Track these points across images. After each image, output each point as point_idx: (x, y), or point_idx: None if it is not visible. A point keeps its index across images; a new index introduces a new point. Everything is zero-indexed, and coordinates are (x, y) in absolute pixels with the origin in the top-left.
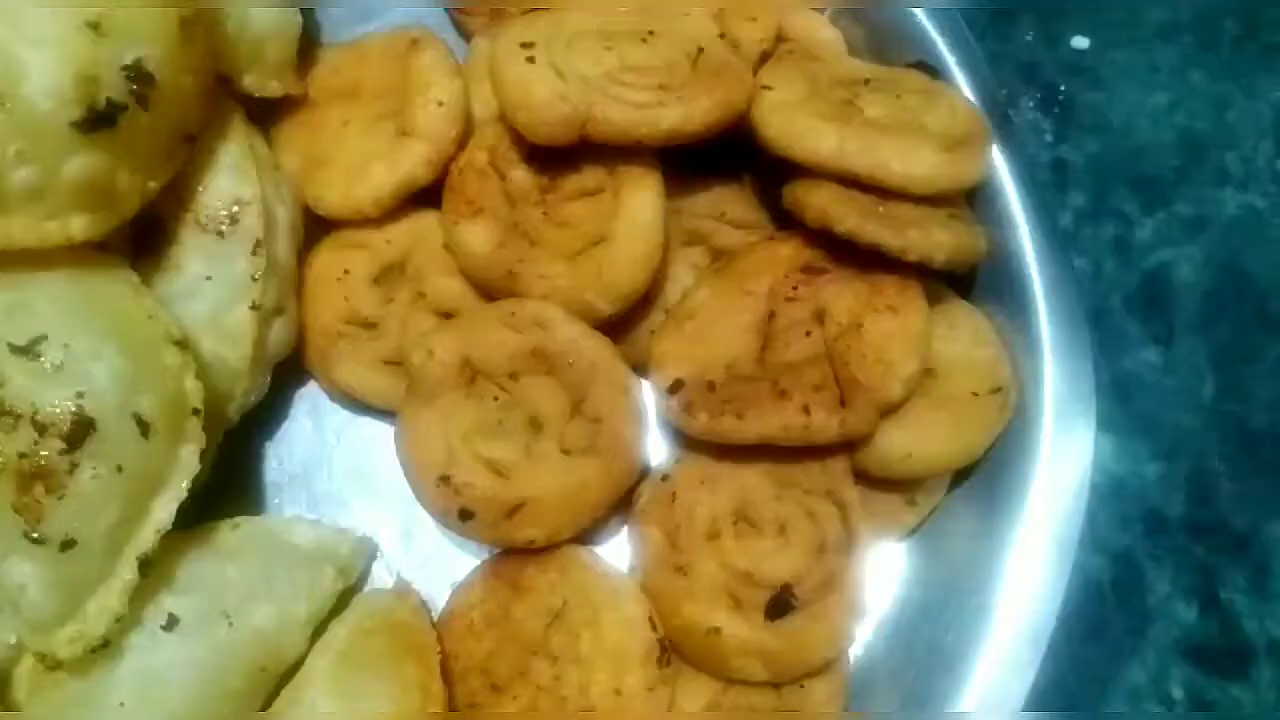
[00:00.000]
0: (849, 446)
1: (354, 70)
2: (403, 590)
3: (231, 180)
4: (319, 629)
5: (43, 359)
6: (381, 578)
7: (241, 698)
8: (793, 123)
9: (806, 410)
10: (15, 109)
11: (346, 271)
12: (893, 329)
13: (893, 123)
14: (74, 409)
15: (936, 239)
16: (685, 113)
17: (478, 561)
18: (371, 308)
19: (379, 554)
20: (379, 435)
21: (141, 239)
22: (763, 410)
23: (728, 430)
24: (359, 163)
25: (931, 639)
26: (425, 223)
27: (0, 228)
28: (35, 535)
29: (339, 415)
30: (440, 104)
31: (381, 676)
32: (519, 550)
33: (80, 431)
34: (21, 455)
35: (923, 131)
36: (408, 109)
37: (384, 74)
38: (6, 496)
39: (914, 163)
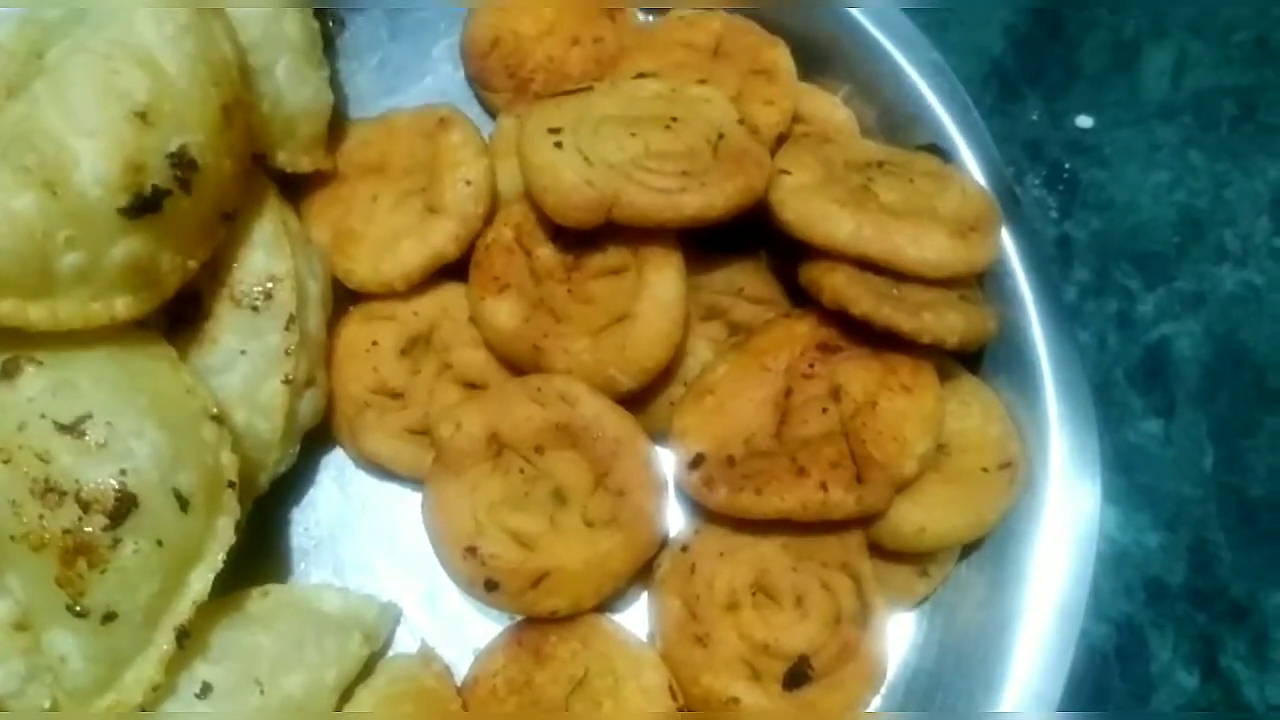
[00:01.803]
0: (864, 521)
1: (382, 145)
2: (428, 656)
3: (266, 256)
4: (345, 695)
5: (87, 437)
6: (405, 642)
7: None
8: (810, 207)
9: (824, 487)
10: (66, 196)
11: (375, 343)
12: (907, 409)
13: (906, 207)
14: (117, 486)
15: (949, 321)
16: (708, 199)
17: (501, 627)
18: (399, 378)
19: (403, 618)
20: (404, 501)
21: (178, 313)
22: (781, 486)
23: (747, 506)
24: (388, 238)
25: (942, 705)
26: (451, 295)
27: (48, 310)
28: (78, 608)
29: (365, 481)
30: (468, 183)
31: None
32: (542, 619)
33: (123, 508)
34: (66, 531)
35: (935, 215)
36: (436, 186)
37: (412, 150)
38: (50, 570)
39: (927, 247)
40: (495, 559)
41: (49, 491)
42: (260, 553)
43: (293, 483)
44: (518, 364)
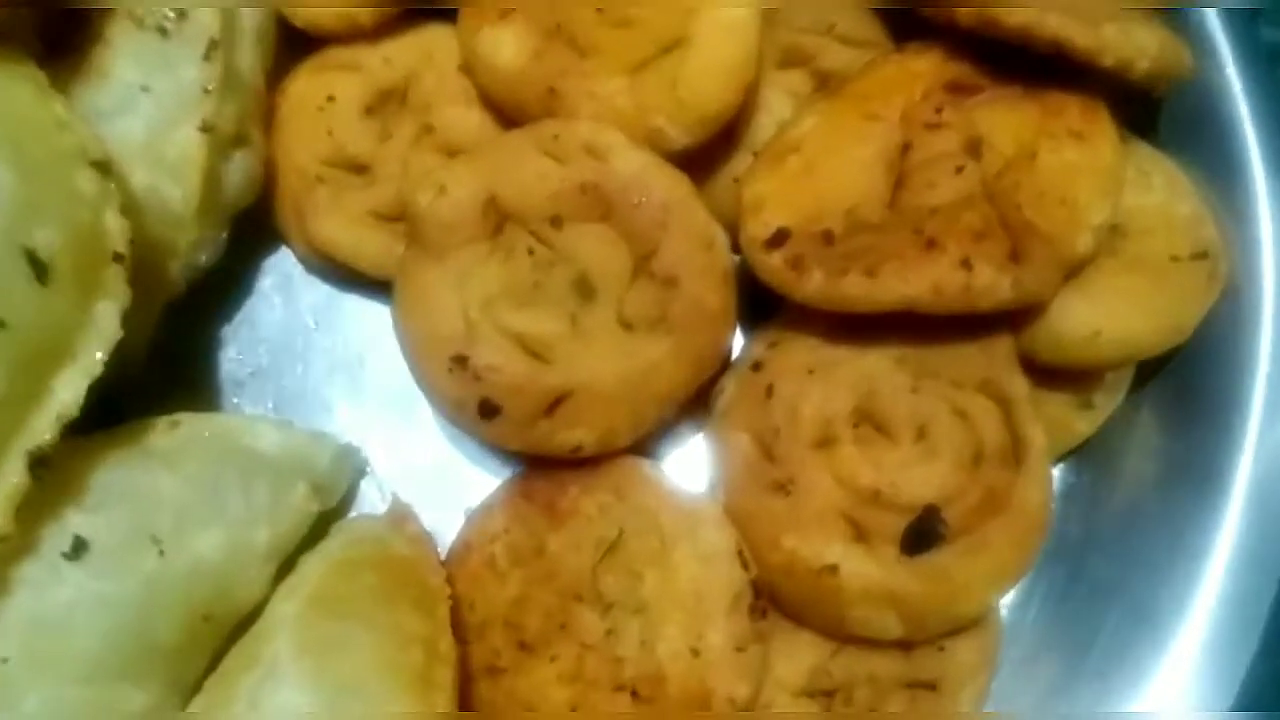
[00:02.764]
0: (1016, 320)
1: None
2: (400, 515)
3: None
4: (287, 565)
5: None
6: (373, 501)
7: (179, 653)
8: None
9: (967, 264)
10: None
11: (331, 99)
12: (1078, 162)
13: None
14: None
15: (1139, 40)
16: None
17: (501, 480)
18: (363, 145)
19: (369, 470)
20: (370, 317)
21: (56, 35)
22: (904, 266)
23: (854, 294)
24: None
25: (1105, 590)
26: (435, 37)
27: None
28: None
29: (318, 291)
30: None
31: (370, 625)
32: (558, 462)
33: None
34: None
35: None
36: None
37: None
38: None
39: None
40: (494, 372)
41: None
42: (177, 383)
43: (223, 291)
44: (526, 116)
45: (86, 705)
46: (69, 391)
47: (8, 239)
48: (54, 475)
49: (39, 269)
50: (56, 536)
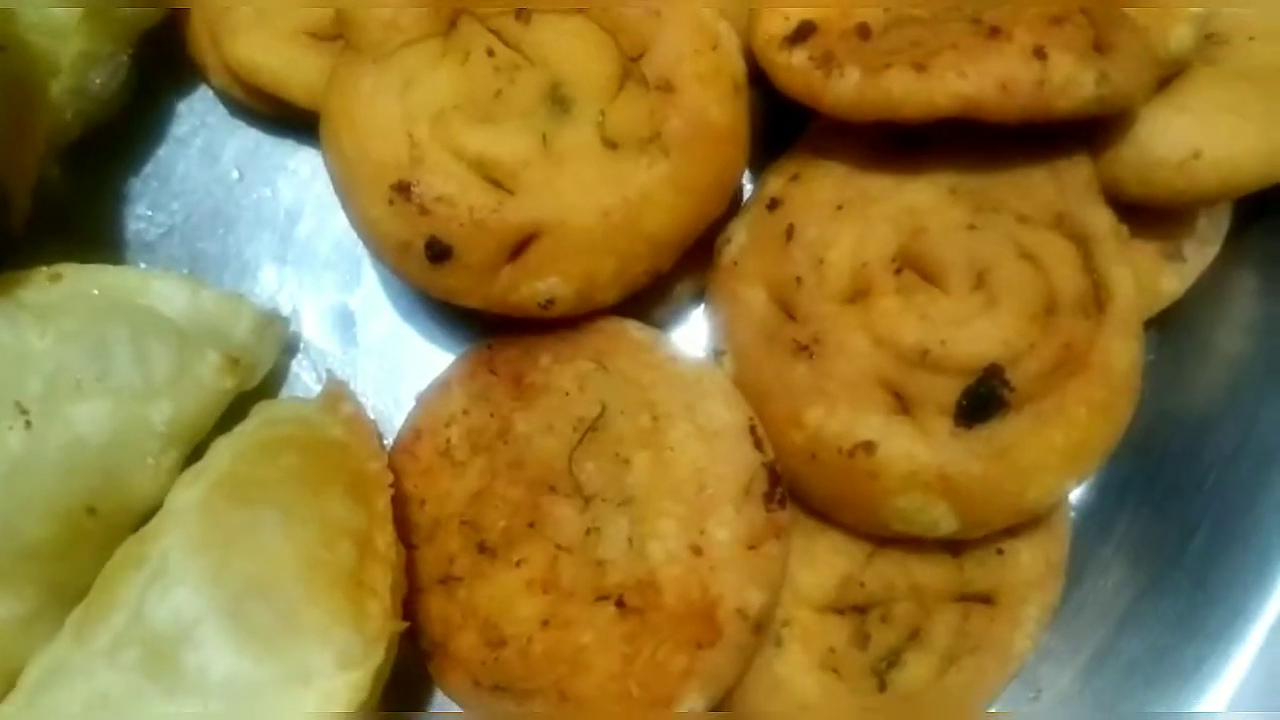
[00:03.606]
0: (1090, 140)
1: None
2: (335, 394)
3: None
4: (196, 455)
5: None
6: (306, 384)
7: (51, 555)
8: None
9: (1040, 53)
10: None
11: None
12: None
13: None
14: None
15: None
16: None
17: (454, 356)
18: None
19: (302, 347)
20: (304, 165)
21: None
22: (963, 57)
23: (899, 94)
24: None
25: (1188, 490)
26: None
27: None
28: None
29: (244, 136)
30: None
31: (287, 514)
32: (526, 324)
33: None
34: None
35: None
36: None
37: None
38: None
39: None
40: (445, 205)
41: None
42: (70, 241)
43: (129, 135)
44: None
45: None
46: None
47: None
48: None
49: None
50: None
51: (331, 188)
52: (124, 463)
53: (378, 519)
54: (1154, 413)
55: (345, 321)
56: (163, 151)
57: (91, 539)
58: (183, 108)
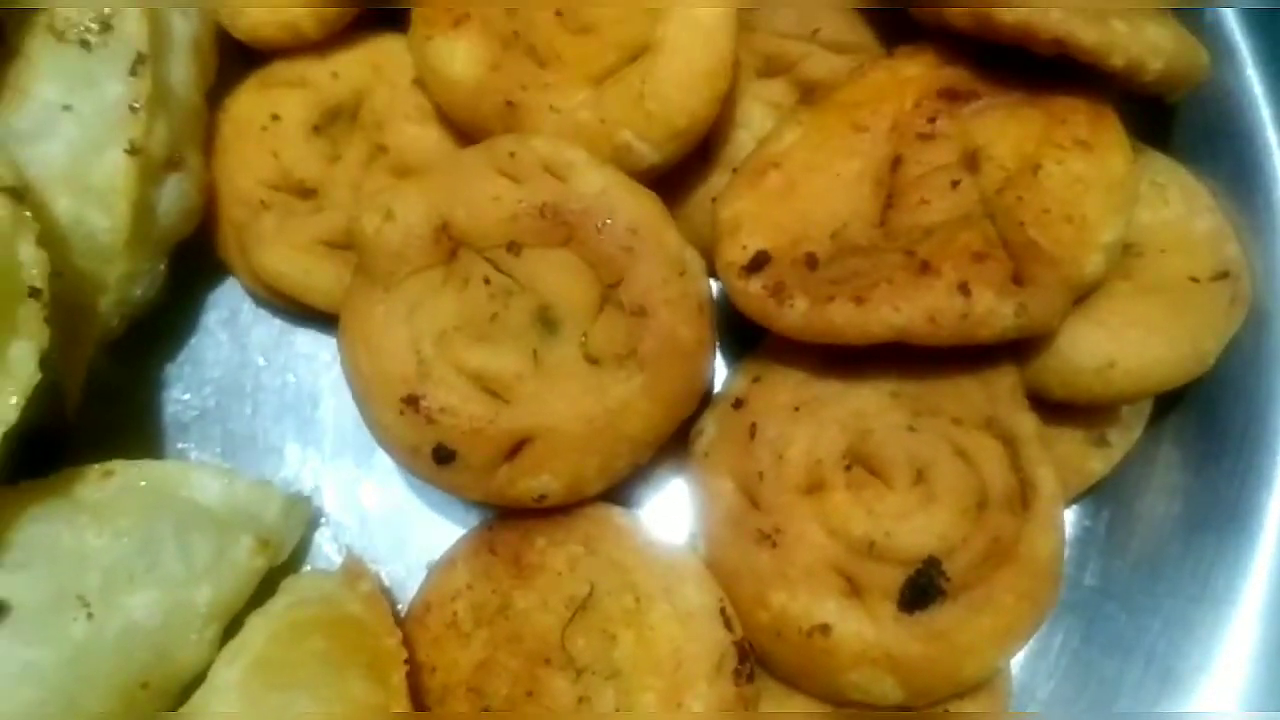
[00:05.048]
0: (1019, 353)
1: None
2: (354, 571)
3: None
4: (235, 624)
5: None
6: (327, 555)
7: None
8: None
9: (965, 289)
10: None
11: (276, 117)
12: (1086, 174)
13: None
14: None
15: (1151, 38)
16: None
17: (463, 531)
18: (311, 168)
19: (323, 520)
20: (324, 353)
21: None
22: (895, 291)
23: (840, 323)
24: None
25: (1124, 645)
26: (387, 49)
27: None
28: None
29: (268, 326)
30: None
31: (316, 697)
32: (525, 511)
33: None
34: None
35: None
36: None
37: None
38: None
39: None
40: (449, 415)
41: None
42: (116, 429)
43: (165, 327)
44: (484, 132)
45: None
46: None
47: None
48: None
49: None
50: None
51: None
52: (172, 641)
53: (395, 693)
54: (1089, 574)
55: (362, 496)
56: (195, 340)
57: (143, 709)
58: (212, 299)
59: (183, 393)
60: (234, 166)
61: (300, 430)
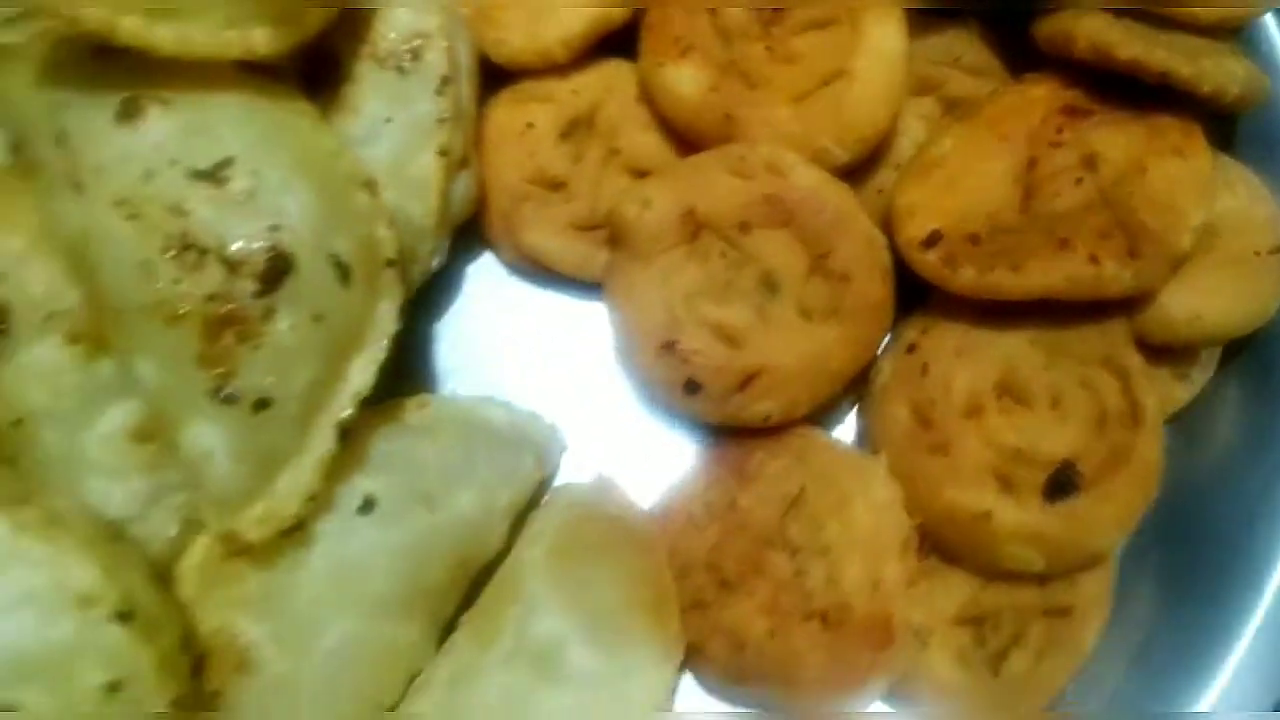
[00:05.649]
0: (1127, 308)
1: None
2: (606, 484)
3: (411, 11)
4: (517, 522)
5: (231, 185)
6: (571, 476)
7: (441, 593)
8: None
9: (1094, 259)
10: None
11: (530, 125)
12: (1180, 173)
13: None
14: (269, 245)
15: (1230, 68)
16: None
17: (682, 460)
18: (559, 166)
19: (568, 449)
20: (565, 313)
21: (312, 74)
22: (1043, 261)
23: (1002, 284)
24: (544, 2)
25: (1200, 532)
26: (615, 71)
27: (176, 32)
28: (225, 393)
29: (519, 291)
30: None
31: (604, 567)
32: (744, 434)
33: (277, 270)
34: (210, 298)
35: None
36: None
37: None
38: (190, 348)
39: None
40: (697, 355)
41: (186, 249)
42: (400, 371)
43: (437, 289)
44: (705, 140)
45: (374, 637)
46: (362, 375)
47: (318, 248)
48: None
49: (342, 272)
50: (349, 496)
51: (583, 328)
52: (483, 532)
53: (660, 567)
54: (1168, 480)
55: (600, 429)
56: (458, 304)
57: (459, 584)
58: (472, 270)
59: (450, 343)
60: (499, 165)
61: (546, 376)
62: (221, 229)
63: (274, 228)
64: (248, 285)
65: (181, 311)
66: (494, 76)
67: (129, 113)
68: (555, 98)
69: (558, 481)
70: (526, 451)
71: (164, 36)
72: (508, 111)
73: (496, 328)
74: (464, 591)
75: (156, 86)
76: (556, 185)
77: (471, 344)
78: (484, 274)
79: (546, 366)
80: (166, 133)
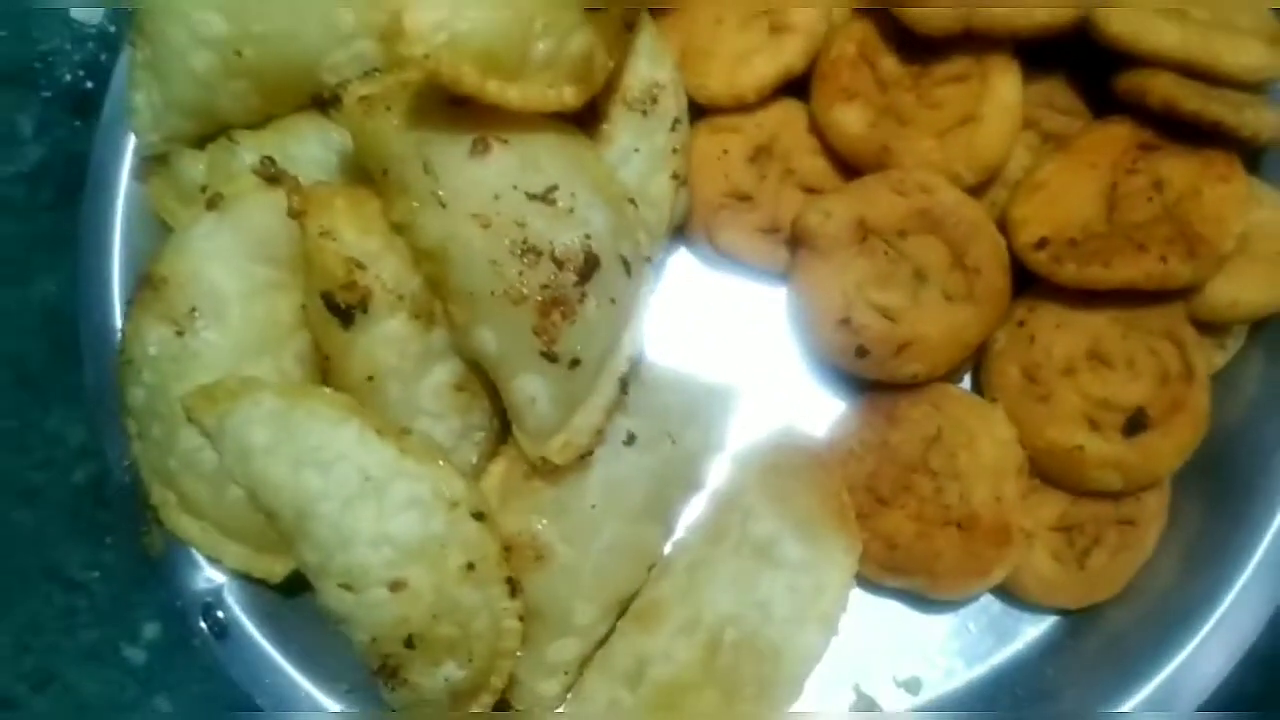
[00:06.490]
0: (1183, 294)
1: None
2: (790, 429)
3: (649, 65)
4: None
5: (559, 204)
6: (753, 423)
7: (673, 505)
8: (1135, 20)
9: (1164, 259)
10: None
11: (726, 151)
12: (1226, 194)
13: (1216, 22)
14: (583, 248)
15: (1267, 117)
16: (1055, 10)
17: (834, 410)
18: (748, 183)
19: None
20: (747, 298)
21: (577, 116)
22: (1126, 260)
23: (1095, 277)
24: (739, 55)
25: (1232, 462)
26: (788, 109)
27: (520, 91)
28: (551, 354)
29: (710, 276)
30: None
31: (800, 484)
32: (891, 388)
33: (589, 267)
34: (544, 286)
35: (1239, 30)
36: (782, 8)
37: None
38: (528, 322)
39: (1244, 53)
40: (866, 329)
41: (527, 252)
42: None
43: None
44: (862, 166)
45: (633, 536)
46: (634, 341)
47: (614, 249)
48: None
49: (626, 267)
50: (617, 432)
51: (760, 310)
52: (704, 460)
53: (841, 485)
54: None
55: (770, 388)
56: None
57: (684, 498)
58: (672, 260)
59: (656, 320)
60: (701, 182)
61: (721, 347)
62: (551, 236)
63: (587, 235)
64: (570, 277)
65: (522, 295)
66: (692, 110)
67: (479, 150)
68: (743, 129)
69: (739, 426)
70: (720, 404)
71: (513, 95)
72: (707, 139)
73: (692, 307)
74: (684, 506)
75: (496, 129)
76: (745, 198)
77: (674, 319)
78: (682, 264)
79: (730, 336)
80: (507, 164)
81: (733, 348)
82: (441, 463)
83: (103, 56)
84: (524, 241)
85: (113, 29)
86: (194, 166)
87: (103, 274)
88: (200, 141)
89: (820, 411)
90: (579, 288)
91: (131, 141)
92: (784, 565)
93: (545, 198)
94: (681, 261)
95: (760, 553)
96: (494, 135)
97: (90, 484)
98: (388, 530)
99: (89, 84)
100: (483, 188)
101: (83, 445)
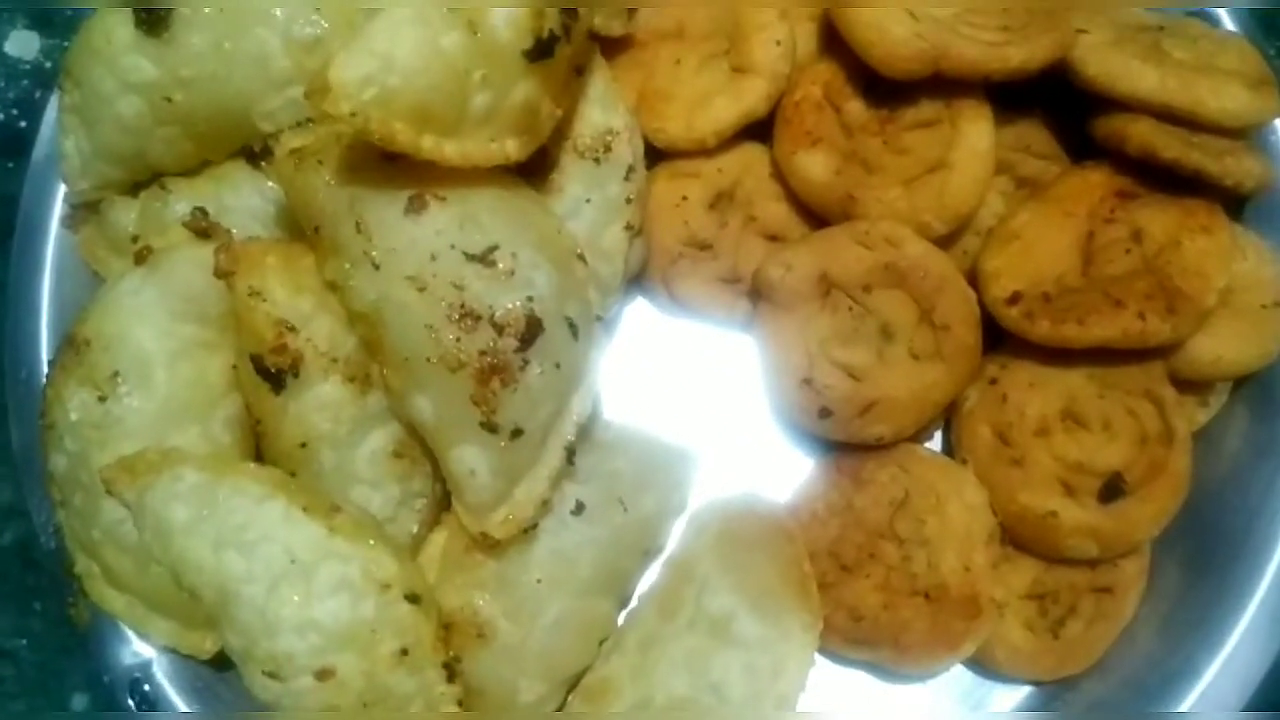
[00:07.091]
0: (1163, 352)
1: (676, 12)
2: (751, 497)
3: (602, 112)
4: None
5: (498, 266)
6: (712, 483)
7: (628, 577)
8: (1113, 62)
9: (1142, 316)
10: (483, 37)
11: (684, 198)
12: (1207, 247)
13: (1196, 63)
14: (525, 311)
15: (1248, 165)
16: (1029, 51)
17: (800, 469)
18: (708, 231)
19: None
20: (711, 350)
21: (526, 166)
22: (1102, 318)
23: (1070, 335)
24: (699, 98)
25: (1216, 524)
26: (751, 153)
27: (458, 147)
28: (490, 425)
29: (670, 329)
30: (778, 43)
31: (759, 554)
32: (857, 448)
33: (532, 331)
34: (482, 353)
35: (1221, 72)
36: (743, 47)
37: (710, 14)
38: (466, 390)
39: (1226, 98)
40: (830, 389)
41: (465, 316)
42: None
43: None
44: (827, 214)
45: (581, 612)
46: (581, 406)
47: (558, 311)
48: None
49: (573, 329)
50: (564, 501)
51: (723, 362)
52: (659, 528)
53: (803, 554)
54: (1192, 483)
55: (732, 446)
56: (613, 344)
57: (640, 569)
58: (625, 313)
59: (611, 375)
60: (659, 229)
61: (682, 401)
62: (490, 299)
63: (529, 298)
64: (510, 343)
65: (460, 362)
66: (650, 153)
67: (414, 207)
68: (703, 174)
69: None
70: (687, 463)
71: (450, 151)
72: (666, 185)
73: (649, 359)
74: (641, 575)
75: (433, 184)
76: (704, 246)
77: (630, 373)
78: (637, 318)
79: (691, 389)
80: (445, 223)
81: (694, 401)
82: (373, 541)
83: (38, 94)
84: (461, 305)
85: (49, 64)
86: (126, 215)
87: (29, 329)
88: (134, 188)
89: (785, 469)
90: (520, 354)
91: (62, 187)
92: (740, 644)
93: (485, 258)
94: (639, 311)
95: (715, 630)
96: (431, 192)
97: (18, 545)
98: (314, 616)
99: (22, 123)
100: (418, 248)
101: (11, 504)
